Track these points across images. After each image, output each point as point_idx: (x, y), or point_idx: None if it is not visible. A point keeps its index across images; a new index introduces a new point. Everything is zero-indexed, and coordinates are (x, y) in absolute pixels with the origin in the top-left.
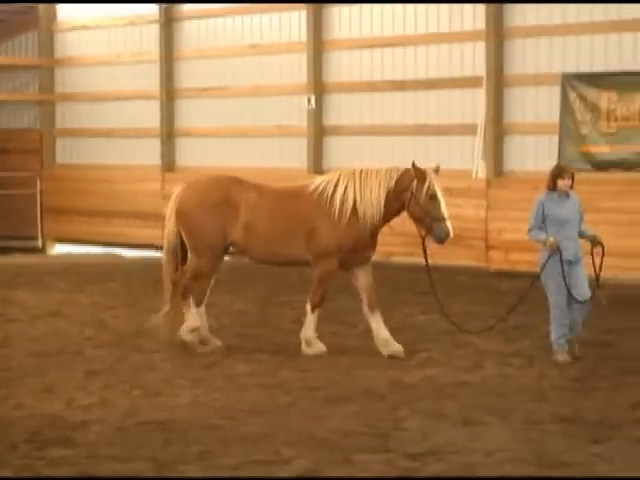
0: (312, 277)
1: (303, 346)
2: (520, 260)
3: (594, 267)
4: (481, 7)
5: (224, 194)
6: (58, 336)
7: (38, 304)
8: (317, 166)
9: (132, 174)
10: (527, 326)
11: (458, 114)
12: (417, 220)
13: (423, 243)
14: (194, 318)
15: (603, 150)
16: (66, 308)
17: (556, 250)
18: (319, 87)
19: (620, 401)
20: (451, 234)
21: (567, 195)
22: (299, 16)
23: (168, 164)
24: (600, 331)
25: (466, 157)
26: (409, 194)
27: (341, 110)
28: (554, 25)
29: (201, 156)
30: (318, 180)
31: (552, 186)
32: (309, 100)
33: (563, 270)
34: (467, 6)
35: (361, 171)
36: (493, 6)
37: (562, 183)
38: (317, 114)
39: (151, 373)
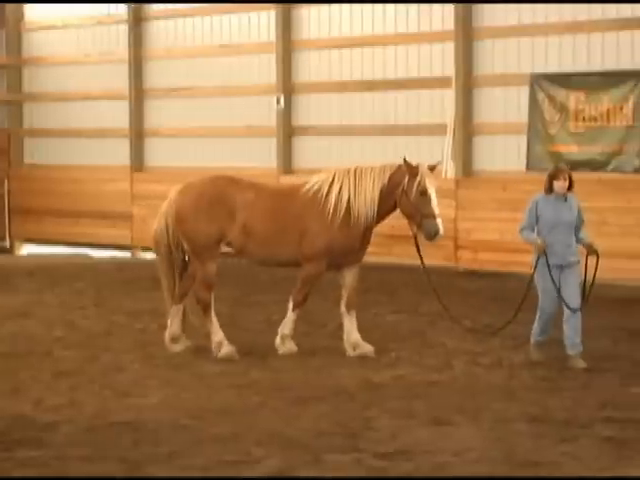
0: (298, 275)
1: (277, 340)
2: (489, 260)
3: (585, 276)
4: (450, 8)
5: (220, 195)
6: (27, 337)
7: (6, 305)
8: (286, 166)
9: (101, 174)
10: (496, 326)
11: (427, 114)
12: (408, 217)
13: (415, 240)
14: (217, 330)
15: (571, 150)
16: (35, 308)
17: (543, 253)
18: (288, 87)
19: (589, 400)
20: (441, 232)
21: (564, 198)
22: (268, 16)
23: (137, 164)
24: None
25: (435, 157)
26: (400, 190)
27: (310, 110)
28: (522, 25)
29: (170, 156)
30: (314, 179)
31: (549, 188)
32: (278, 100)
33: (551, 274)
34: (436, 7)
35: (355, 169)
36: (462, 7)
37: (558, 185)
38: (286, 114)
39: (120, 373)
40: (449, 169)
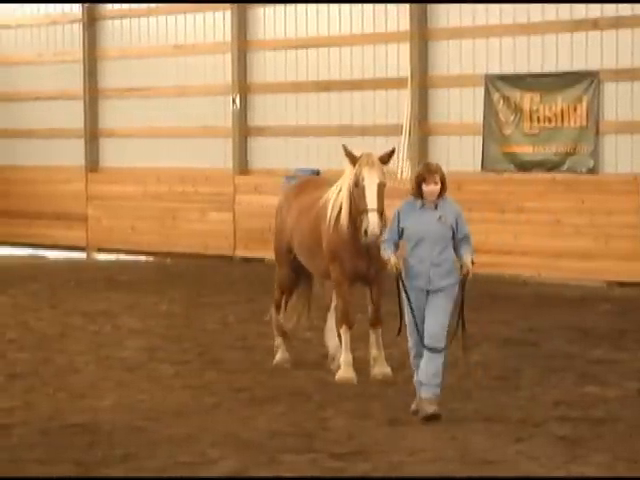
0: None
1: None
2: None
3: (461, 305)
4: (405, 8)
5: (281, 202)
6: None
7: None
8: (242, 167)
9: (55, 175)
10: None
11: (383, 115)
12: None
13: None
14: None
15: (526, 150)
16: None
17: (398, 275)
18: (244, 87)
19: (543, 399)
20: (371, 228)
21: (434, 205)
22: (223, 16)
23: (92, 165)
24: (523, 330)
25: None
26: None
27: (266, 111)
28: (477, 27)
29: (125, 157)
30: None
31: (417, 191)
32: (234, 100)
33: (409, 302)
34: (391, 7)
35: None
36: (417, 7)
37: (427, 189)
38: (242, 114)
39: (75, 375)
40: (405, 169)
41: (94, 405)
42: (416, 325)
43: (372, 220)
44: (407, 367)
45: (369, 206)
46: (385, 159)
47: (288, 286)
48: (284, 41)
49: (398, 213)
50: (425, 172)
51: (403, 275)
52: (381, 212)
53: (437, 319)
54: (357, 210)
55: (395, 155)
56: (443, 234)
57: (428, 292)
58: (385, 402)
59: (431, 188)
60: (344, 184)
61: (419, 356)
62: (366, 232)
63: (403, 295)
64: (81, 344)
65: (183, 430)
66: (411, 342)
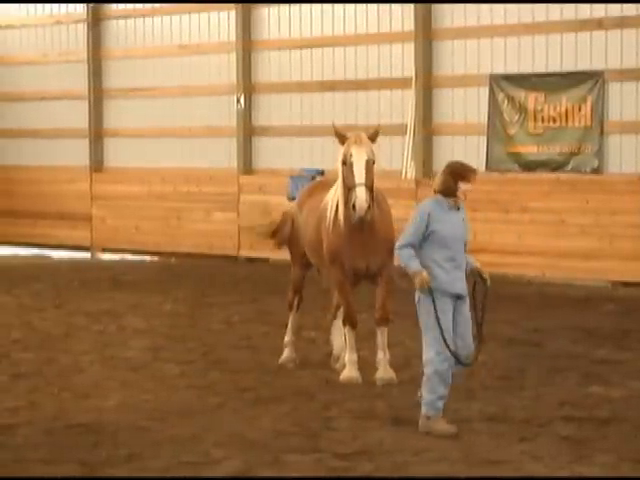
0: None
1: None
2: None
3: (476, 314)
4: (410, 8)
5: (300, 202)
6: None
7: None
8: (247, 167)
9: (60, 175)
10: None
11: (387, 115)
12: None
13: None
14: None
15: (530, 150)
16: None
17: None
18: (248, 87)
19: (547, 399)
20: (359, 202)
21: (457, 207)
22: (228, 16)
23: (96, 165)
24: (527, 330)
25: (395, 158)
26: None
27: (271, 110)
28: (482, 26)
29: (130, 157)
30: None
31: (452, 189)
32: (238, 100)
33: (437, 312)
34: (395, 7)
35: None
36: (421, 7)
37: (465, 188)
38: (246, 114)
39: (79, 375)
40: (409, 169)
41: (98, 405)
42: (445, 339)
43: (360, 194)
44: (412, 366)
45: (357, 181)
46: (373, 137)
47: (301, 286)
48: (289, 41)
49: (428, 214)
50: (468, 170)
51: (432, 285)
52: (370, 188)
53: (469, 331)
54: (347, 189)
55: (403, 153)
56: (465, 236)
57: (456, 299)
58: (390, 402)
59: (469, 187)
60: (339, 175)
61: (448, 371)
62: (354, 207)
63: (431, 307)
64: (85, 344)
65: (187, 430)
66: (439, 357)
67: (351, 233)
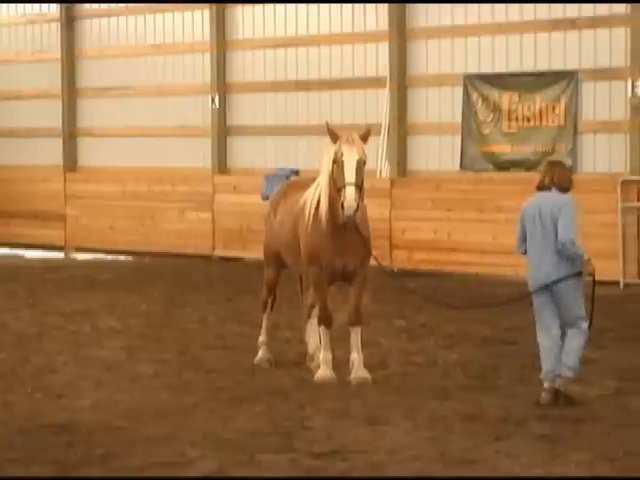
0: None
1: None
2: (423, 259)
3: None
4: (384, 8)
5: (274, 202)
6: None
7: None
8: (221, 166)
9: (33, 174)
10: (431, 325)
11: (362, 114)
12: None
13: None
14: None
15: (505, 150)
16: None
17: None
18: (223, 87)
19: (523, 398)
20: (347, 201)
21: None
22: (202, 16)
23: (70, 164)
24: (502, 329)
25: (370, 157)
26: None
27: (245, 110)
28: (456, 26)
29: (104, 156)
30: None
31: (570, 185)
32: (213, 100)
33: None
34: (370, 7)
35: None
36: (396, 7)
37: None
38: (221, 114)
39: (54, 375)
40: (384, 169)
41: (73, 405)
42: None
43: (349, 194)
44: (386, 366)
45: (347, 180)
46: (365, 137)
47: (275, 286)
48: (263, 41)
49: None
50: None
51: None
52: (360, 187)
53: None
54: (336, 188)
55: (377, 153)
56: None
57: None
58: (364, 401)
59: None
60: (323, 174)
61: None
62: (343, 206)
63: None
64: (59, 344)
65: (162, 430)
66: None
67: (333, 233)
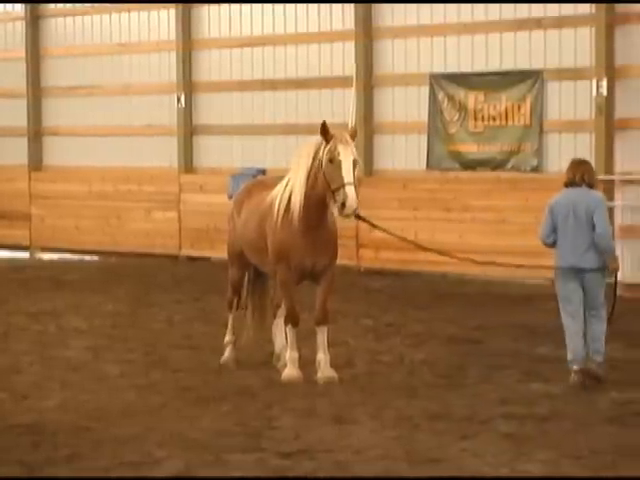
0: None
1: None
2: (390, 259)
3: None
4: (350, 8)
5: (238, 201)
6: None
7: None
8: (187, 166)
9: None
10: (397, 324)
11: (328, 114)
12: (325, 191)
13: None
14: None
15: (471, 149)
16: None
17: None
18: (189, 86)
19: (488, 397)
20: (350, 202)
21: None
22: (168, 15)
23: (35, 163)
24: (468, 328)
25: None
26: (317, 162)
27: (211, 109)
28: (422, 26)
29: (69, 155)
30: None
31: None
32: (179, 99)
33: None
34: (336, 6)
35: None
36: (362, 7)
37: None
38: (187, 113)
39: (19, 375)
40: None
41: (38, 405)
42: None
43: (350, 193)
44: (353, 365)
45: (346, 180)
46: (352, 138)
47: (240, 286)
48: (229, 40)
49: None
50: None
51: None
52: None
53: None
54: (329, 187)
55: None
56: None
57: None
58: (331, 400)
59: None
60: (298, 171)
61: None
62: (343, 205)
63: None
64: (25, 344)
65: (129, 430)
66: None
67: (305, 231)
